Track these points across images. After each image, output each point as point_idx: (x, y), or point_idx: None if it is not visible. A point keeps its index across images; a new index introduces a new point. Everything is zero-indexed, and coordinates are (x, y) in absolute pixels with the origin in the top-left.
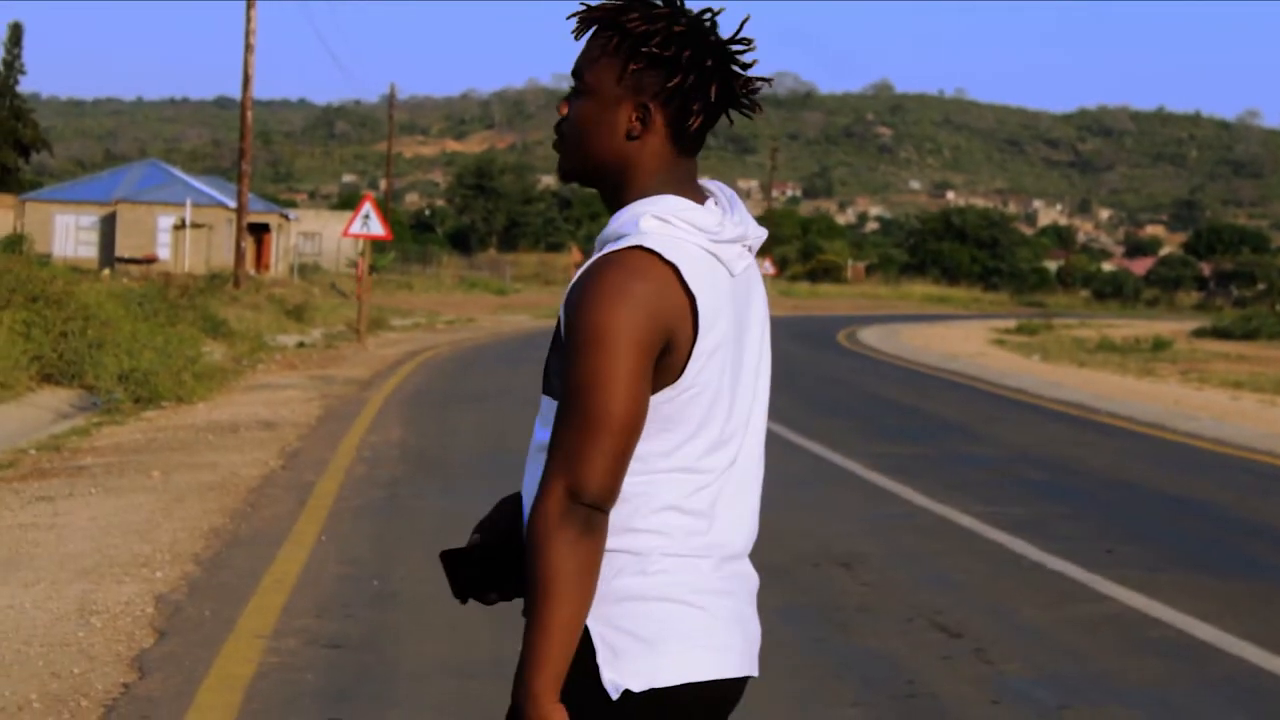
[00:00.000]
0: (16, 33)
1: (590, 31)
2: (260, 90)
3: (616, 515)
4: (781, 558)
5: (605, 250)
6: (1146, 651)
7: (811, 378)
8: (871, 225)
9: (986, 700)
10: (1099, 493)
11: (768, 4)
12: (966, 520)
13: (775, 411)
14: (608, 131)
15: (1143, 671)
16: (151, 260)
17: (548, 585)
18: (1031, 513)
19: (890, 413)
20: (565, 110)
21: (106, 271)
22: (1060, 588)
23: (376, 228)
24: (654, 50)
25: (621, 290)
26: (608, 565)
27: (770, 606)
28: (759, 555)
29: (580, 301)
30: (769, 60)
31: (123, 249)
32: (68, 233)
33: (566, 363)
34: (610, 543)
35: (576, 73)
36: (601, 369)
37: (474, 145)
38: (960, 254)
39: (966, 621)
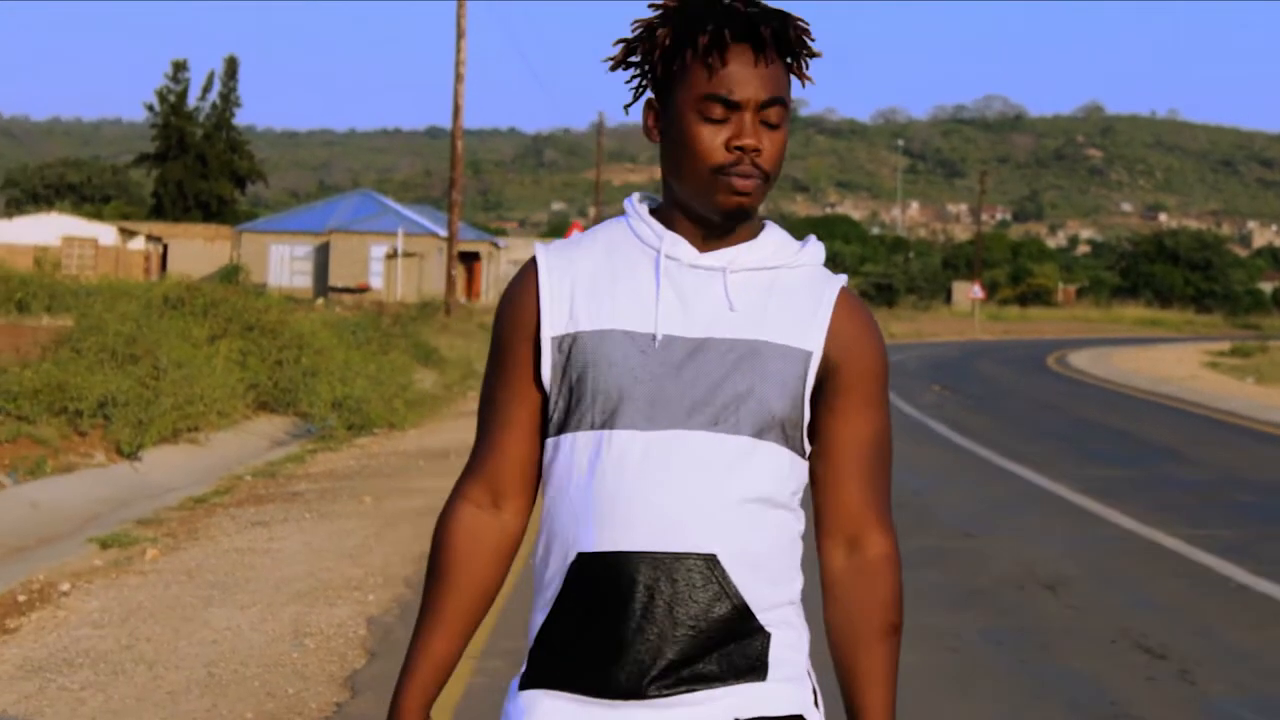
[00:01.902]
0: (232, 67)
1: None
2: (470, 120)
3: (795, 558)
4: (986, 581)
5: (842, 285)
6: None
7: (1020, 401)
8: (1082, 248)
9: None
10: None
11: (978, 28)
12: (1173, 543)
13: (982, 435)
14: None
15: None
16: (364, 289)
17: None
18: (1240, 535)
19: (1099, 436)
20: (762, 144)
21: (320, 301)
22: (1268, 609)
23: None
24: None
25: None
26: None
27: (974, 629)
28: (962, 577)
29: (884, 348)
30: (977, 84)
31: (336, 278)
32: (282, 263)
33: (869, 407)
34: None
35: (780, 101)
36: (889, 416)
37: None
38: (1173, 276)
39: (1171, 643)
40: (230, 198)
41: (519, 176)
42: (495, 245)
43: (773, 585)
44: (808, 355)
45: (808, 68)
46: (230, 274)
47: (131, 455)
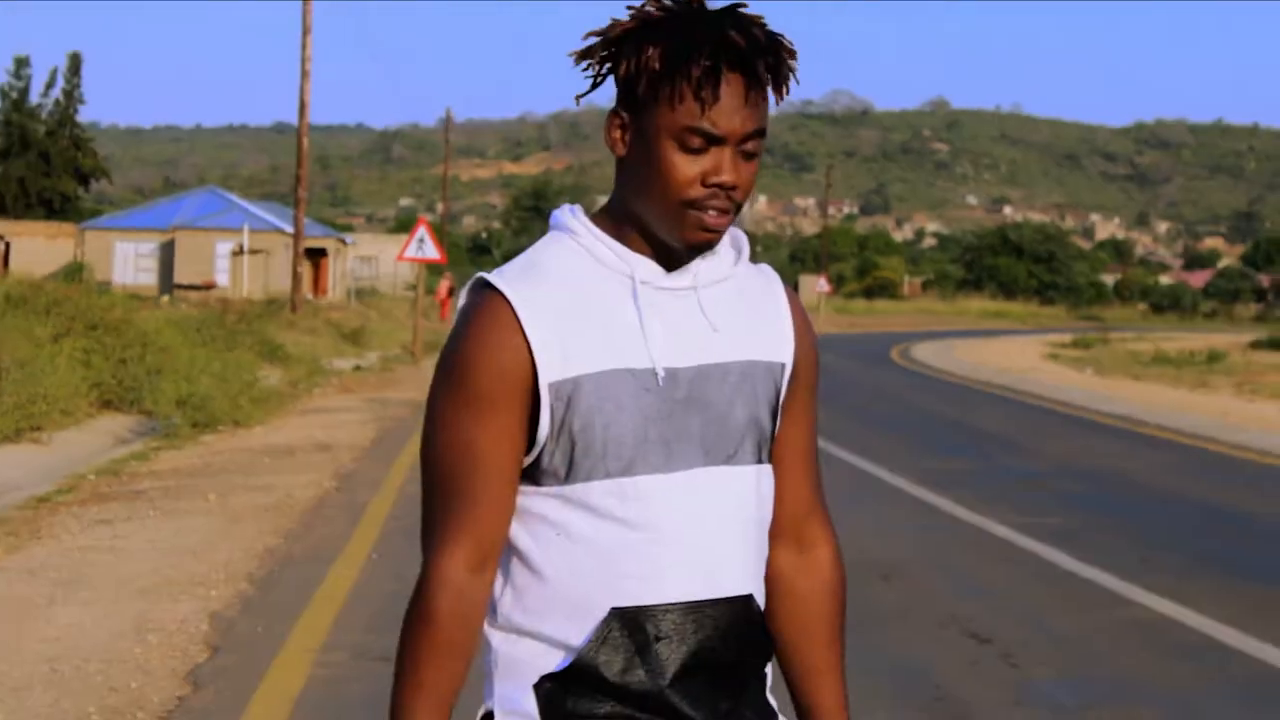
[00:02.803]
0: (75, 63)
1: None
2: (318, 115)
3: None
4: None
5: (779, 280)
6: (1171, 655)
7: (863, 394)
8: (928, 241)
9: (1010, 702)
10: (1138, 503)
11: (827, 23)
12: (1005, 531)
13: (822, 428)
14: None
15: (1166, 675)
16: (210, 286)
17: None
18: (1069, 523)
19: (939, 428)
20: (739, 178)
21: (165, 298)
22: (1091, 595)
23: (431, 251)
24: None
25: None
26: None
27: None
28: None
29: (814, 335)
30: (825, 79)
31: (182, 276)
32: (127, 260)
33: (812, 403)
34: None
35: (761, 132)
36: None
37: (531, 167)
38: (1017, 269)
39: (997, 628)
40: (74, 195)
41: (367, 172)
42: (343, 241)
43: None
44: (782, 367)
45: (788, 91)
46: (74, 272)
47: None
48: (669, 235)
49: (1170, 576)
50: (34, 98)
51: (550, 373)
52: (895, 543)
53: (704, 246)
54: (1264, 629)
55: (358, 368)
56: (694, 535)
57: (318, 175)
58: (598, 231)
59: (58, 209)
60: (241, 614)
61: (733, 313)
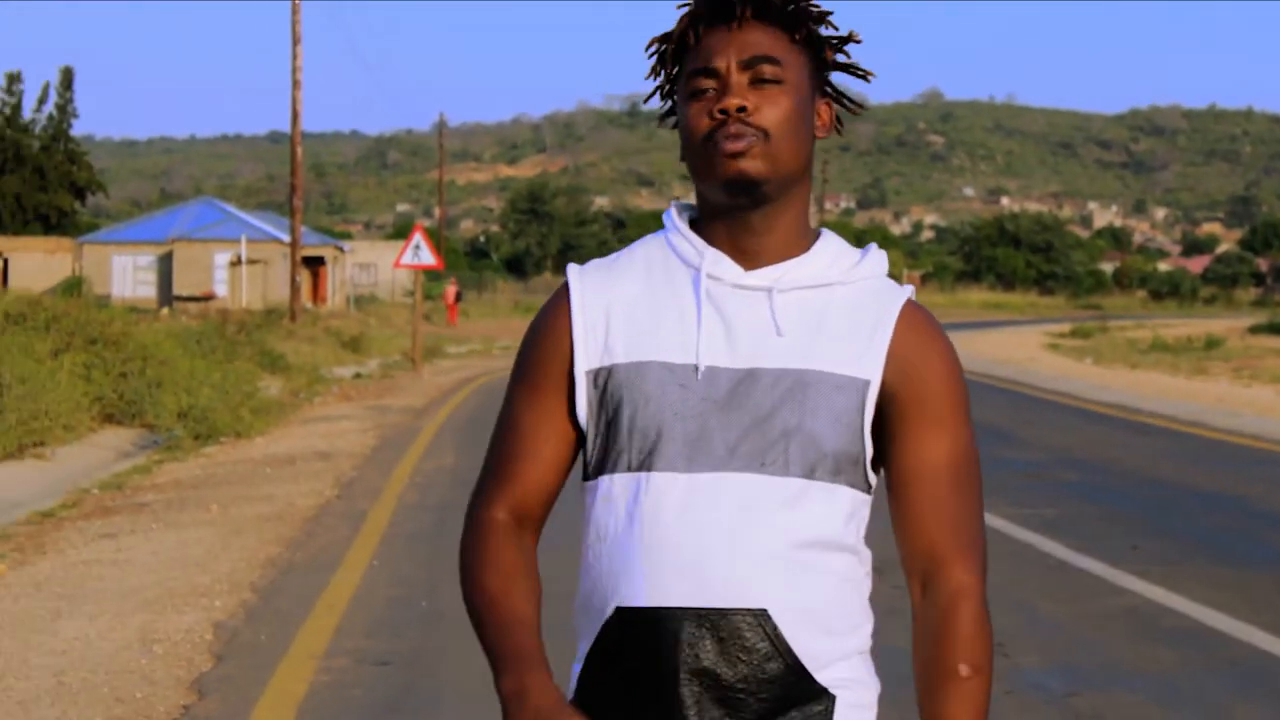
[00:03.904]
0: (68, 77)
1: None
2: (312, 123)
3: (860, 603)
4: None
5: (908, 297)
6: (1159, 641)
7: None
8: (926, 234)
9: (1000, 691)
10: (1131, 491)
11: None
12: (998, 522)
13: None
14: (809, 129)
15: (1152, 659)
16: (209, 297)
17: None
18: (1062, 513)
19: None
20: (750, 101)
21: (165, 310)
22: (1082, 583)
23: (427, 257)
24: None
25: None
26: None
27: None
28: None
29: (954, 364)
30: None
31: (180, 287)
32: (125, 273)
33: (938, 431)
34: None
35: (766, 59)
36: (973, 438)
37: (526, 169)
38: (1015, 259)
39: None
40: (70, 209)
41: (363, 179)
42: (340, 249)
43: (832, 637)
44: (865, 384)
45: (832, 50)
46: (72, 287)
47: None
48: (711, 188)
49: (1161, 563)
50: (26, 113)
51: (588, 360)
52: (889, 538)
53: (740, 181)
54: (1254, 614)
55: (358, 375)
56: (706, 540)
57: (313, 183)
58: (683, 227)
59: (54, 224)
60: (245, 623)
61: (812, 321)
